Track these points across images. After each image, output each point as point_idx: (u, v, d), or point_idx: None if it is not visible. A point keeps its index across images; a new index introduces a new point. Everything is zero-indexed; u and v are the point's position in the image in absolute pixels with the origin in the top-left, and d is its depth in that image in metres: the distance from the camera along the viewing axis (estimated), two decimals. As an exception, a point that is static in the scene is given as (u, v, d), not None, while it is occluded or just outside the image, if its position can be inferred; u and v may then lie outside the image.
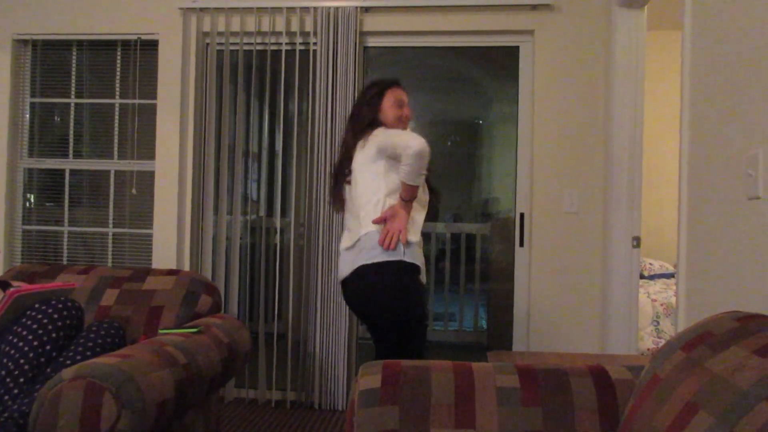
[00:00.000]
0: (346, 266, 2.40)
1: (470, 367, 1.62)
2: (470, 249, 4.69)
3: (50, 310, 1.90)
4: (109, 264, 3.73)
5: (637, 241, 3.09)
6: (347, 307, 3.32)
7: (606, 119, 3.27)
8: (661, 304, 4.08)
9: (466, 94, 4.33)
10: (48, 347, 1.84)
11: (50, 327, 1.86)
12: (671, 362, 1.36)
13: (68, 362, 1.84)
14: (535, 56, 3.41)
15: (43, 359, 1.82)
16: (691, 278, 2.09)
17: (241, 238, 3.66)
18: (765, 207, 1.61)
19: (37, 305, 1.92)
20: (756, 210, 1.66)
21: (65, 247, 3.77)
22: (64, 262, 3.75)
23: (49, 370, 1.82)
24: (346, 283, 2.43)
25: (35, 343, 1.81)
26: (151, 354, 1.79)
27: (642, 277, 4.66)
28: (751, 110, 1.70)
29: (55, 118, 3.85)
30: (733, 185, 1.79)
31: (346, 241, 2.45)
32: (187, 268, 3.57)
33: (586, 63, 3.34)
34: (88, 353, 1.89)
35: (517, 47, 3.52)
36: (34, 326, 1.85)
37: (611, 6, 3.18)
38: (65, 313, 1.92)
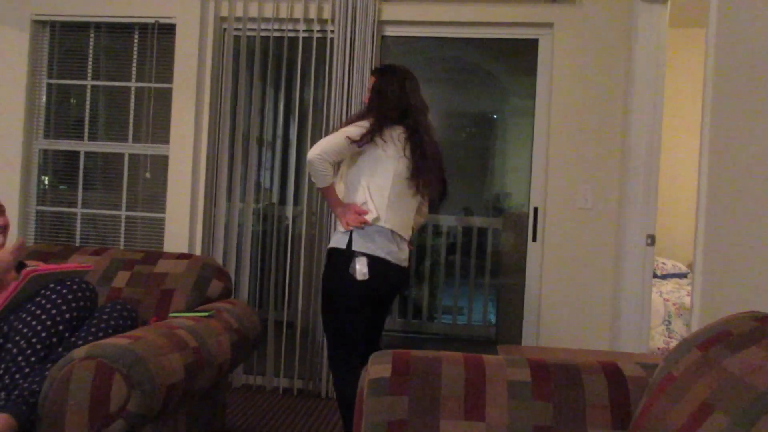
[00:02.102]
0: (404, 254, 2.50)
1: (481, 360, 1.61)
2: (481, 243, 4.67)
3: (64, 291, 1.91)
4: (121, 247, 3.75)
5: (651, 240, 3.06)
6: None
7: (624, 115, 3.23)
8: (674, 304, 4.04)
9: (482, 87, 4.30)
10: (61, 327, 1.84)
11: (64, 307, 1.87)
12: (687, 361, 1.34)
13: (80, 342, 1.85)
14: (554, 49, 3.37)
15: (55, 339, 1.83)
16: (708, 277, 2.06)
17: (253, 226, 3.66)
18: (787, 207, 1.58)
19: (51, 285, 1.93)
20: (777, 209, 1.63)
21: (78, 228, 3.79)
22: (77, 244, 3.77)
23: (60, 349, 1.83)
24: (403, 269, 2.51)
25: (48, 322, 1.82)
26: (162, 336, 1.80)
27: (654, 276, 4.62)
28: (776, 108, 1.66)
29: (71, 100, 3.86)
30: (754, 184, 1.76)
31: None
32: (198, 253, 3.58)
33: (606, 57, 3.30)
34: (101, 334, 1.90)
35: (536, 40, 3.48)
36: (48, 305, 1.86)
37: (634, 0, 3.14)
38: (79, 294, 1.92)
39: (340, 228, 2.41)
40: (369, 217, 2.35)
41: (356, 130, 2.37)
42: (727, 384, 1.17)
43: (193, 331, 1.94)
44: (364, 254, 2.34)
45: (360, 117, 2.48)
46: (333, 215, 3.37)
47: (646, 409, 1.36)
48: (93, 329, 1.90)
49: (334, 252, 2.41)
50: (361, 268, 2.33)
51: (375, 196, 2.40)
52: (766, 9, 1.76)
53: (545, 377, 1.54)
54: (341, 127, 2.47)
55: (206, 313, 2.11)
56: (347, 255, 2.35)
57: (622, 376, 1.54)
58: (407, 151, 2.42)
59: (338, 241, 2.40)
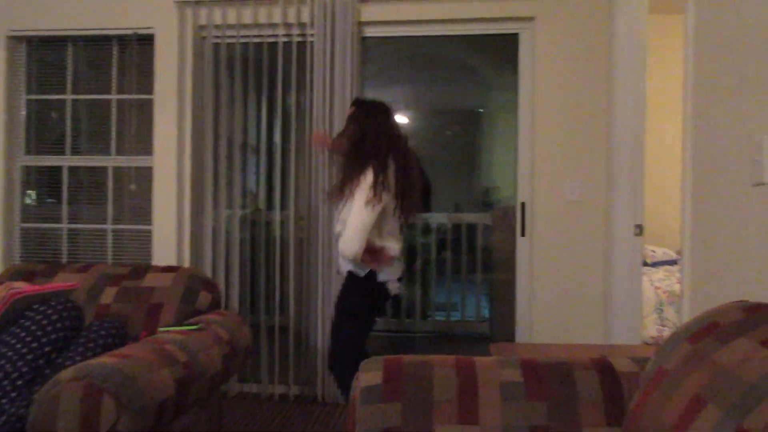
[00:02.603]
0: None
1: (473, 362, 1.60)
2: (471, 238, 4.66)
3: (49, 311, 1.88)
4: (109, 261, 3.71)
5: (639, 229, 3.07)
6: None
7: (608, 106, 3.23)
8: (664, 292, 4.06)
9: (466, 83, 4.29)
10: (47, 349, 1.82)
11: (49, 328, 1.84)
12: (677, 354, 1.33)
13: (68, 363, 1.83)
14: (535, 43, 3.37)
15: (41, 361, 1.80)
16: (697, 267, 2.07)
17: (241, 232, 3.64)
18: (771, 194, 1.59)
19: (36, 306, 1.90)
20: (761, 196, 1.63)
21: (65, 244, 3.75)
22: (64, 260, 3.74)
23: (48, 371, 1.80)
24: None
25: (33, 345, 1.80)
26: (151, 353, 1.77)
27: (645, 264, 4.64)
28: (756, 96, 1.66)
29: (52, 114, 3.81)
30: (738, 171, 1.76)
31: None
32: (187, 262, 3.55)
33: (587, 49, 3.30)
34: (89, 354, 1.88)
35: (517, 34, 3.47)
36: (33, 327, 1.83)
37: (611, -9, 3.14)
38: (65, 314, 1.90)
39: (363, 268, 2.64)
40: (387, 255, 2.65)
41: (369, 193, 2.53)
42: (717, 377, 1.16)
43: (183, 346, 1.91)
44: (387, 280, 2.67)
45: (354, 155, 2.65)
46: (321, 218, 3.37)
47: (639, 404, 1.35)
48: (81, 349, 1.88)
49: (352, 276, 2.68)
50: (392, 288, 2.72)
51: (386, 234, 2.65)
52: (742, -3, 1.76)
53: (537, 377, 1.53)
54: (336, 145, 2.81)
55: (196, 326, 2.09)
56: (370, 278, 2.64)
57: (614, 372, 1.54)
58: (398, 187, 2.65)
59: (355, 266, 2.65)
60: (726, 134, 1.84)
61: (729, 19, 1.84)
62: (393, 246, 2.67)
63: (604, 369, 1.55)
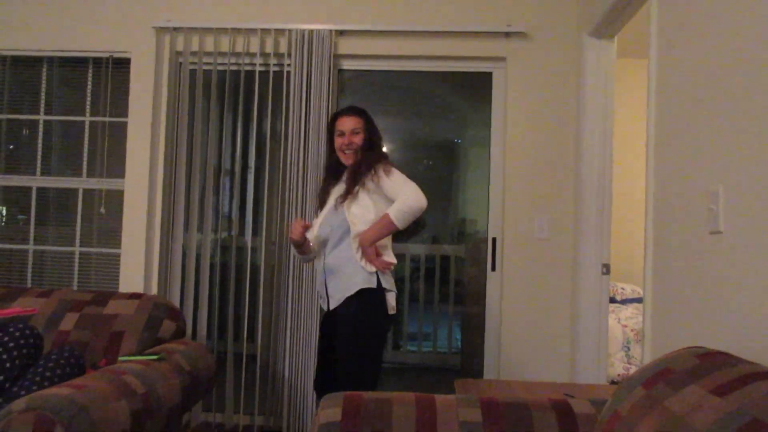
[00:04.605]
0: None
1: (433, 400, 1.60)
2: (445, 270, 4.68)
3: (6, 338, 1.84)
4: (75, 284, 3.65)
5: (606, 269, 3.11)
6: (317, 329, 3.28)
7: (577, 146, 3.30)
8: (632, 330, 4.10)
9: (441, 117, 4.35)
10: (1, 377, 1.78)
11: (5, 356, 1.80)
12: (632, 399, 1.35)
13: (22, 393, 1.79)
14: (507, 83, 3.44)
15: (-6, 389, 1.76)
16: (657, 310, 2.10)
17: (211, 257, 3.61)
18: (726, 241, 1.63)
19: (-9, 331, 1.86)
20: (718, 244, 1.67)
21: (30, 266, 3.68)
22: (29, 282, 3.67)
23: (1, 400, 1.76)
24: None
25: (-14, 372, 1.76)
26: (108, 384, 1.75)
27: (614, 301, 4.69)
28: (712, 145, 1.72)
29: (24, 131, 3.77)
30: (696, 219, 1.81)
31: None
32: (155, 287, 3.51)
33: (557, 90, 3.38)
34: (45, 383, 1.84)
35: (491, 73, 3.55)
36: (-13, 354, 1.79)
37: (582, 35, 3.23)
38: (22, 341, 1.86)
39: (367, 267, 2.47)
40: (390, 260, 2.52)
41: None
42: (668, 423, 1.18)
43: (142, 376, 1.89)
44: (391, 290, 2.53)
45: (364, 161, 2.59)
46: (291, 244, 3.35)
47: (593, 448, 1.36)
48: (37, 378, 1.84)
49: (366, 292, 2.46)
50: (391, 302, 2.53)
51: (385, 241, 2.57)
52: (703, 46, 1.82)
53: (496, 417, 1.53)
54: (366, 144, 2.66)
55: (156, 356, 2.06)
56: (380, 293, 2.47)
57: (572, 414, 1.55)
58: None
59: (368, 281, 2.47)
60: (685, 182, 1.89)
61: (687, 70, 1.90)
62: (391, 254, 2.60)
63: (562, 411, 1.57)
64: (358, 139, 2.62)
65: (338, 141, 2.65)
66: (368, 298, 2.46)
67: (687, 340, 1.85)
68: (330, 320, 2.59)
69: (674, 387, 1.26)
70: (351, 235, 2.49)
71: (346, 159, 2.63)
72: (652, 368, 1.40)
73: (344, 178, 2.64)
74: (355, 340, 2.45)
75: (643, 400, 1.31)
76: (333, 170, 2.75)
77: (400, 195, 2.43)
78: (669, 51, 2.08)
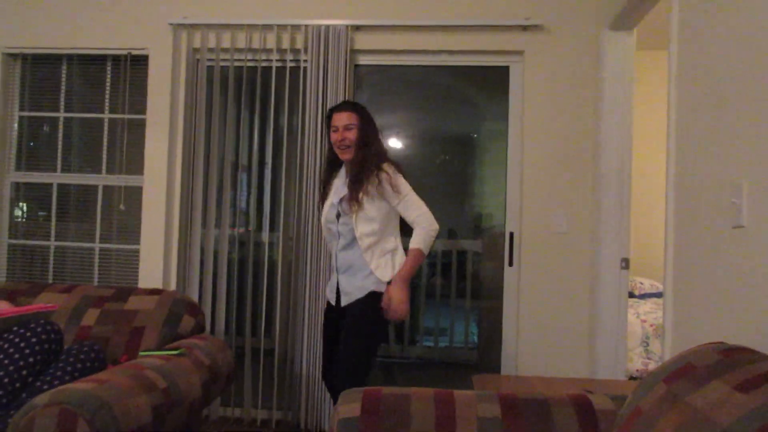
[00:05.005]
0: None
1: (452, 395, 1.60)
2: (461, 265, 4.66)
3: (28, 334, 1.87)
4: (95, 280, 3.70)
5: (625, 263, 3.08)
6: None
7: (595, 140, 3.27)
8: (651, 325, 4.06)
9: (458, 111, 4.33)
10: (24, 372, 1.80)
11: (27, 351, 1.83)
12: (653, 395, 1.34)
13: (45, 387, 1.81)
14: (524, 76, 3.41)
15: (18, 384, 1.79)
16: (678, 305, 2.08)
17: (229, 253, 3.63)
18: (749, 235, 1.60)
19: (15, 328, 1.89)
20: (740, 238, 1.65)
21: (51, 261, 3.73)
22: (50, 277, 3.72)
23: (24, 395, 1.79)
24: None
25: (11, 368, 1.78)
26: (129, 379, 1.76)
27: (632, 296, 4.65)
28: (736, 139, 1.69)
29: (44, 128, 3.82)
30: (718, 213, 1.78)
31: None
32: (173, 283, 3.54)
33: (575, 84, 3.35)
34: (67, 378, 1.86)
35: (507, 67, 3.52)
36: (11, 350, 1.82)
37: (601, 28, 3.19)
38: (44, 336, 1.88)
39: (384, 275, 2.57)
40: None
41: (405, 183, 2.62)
42: (690, 420, 1.17)
43: (163, 371, 1.90)
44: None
45: (363, 159, 2.61)
46: (310, 240, 3.36)
47: (614, 444, 1.35)
48: (59, 373, 1.86)
49: (376, 294, 2.57)
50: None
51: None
52: (725, 35, 1.79)
53: (515, 413, 1.53)
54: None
55: (177, 351, 2.08)
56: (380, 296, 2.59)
57: (592, 410, 1.54)
58: None
59: (378, 284, 2.58)
60: (707, 176, 1.87)
61: (711, 60, 1.88)
62: (402, 253, 2.69)
63: (582, 406, 1.56)
64: (351, 135, 2.62)
65: (333, 137, 2.67)
66: (377, 300, 2.57)
67: (708, 335, 1.83)
68: (333, 315, 2.70)
69: (697, 383, 1.25)
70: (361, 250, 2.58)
71: (342, 155, 2.66)
72: (674, 364, 1.38)
73: (345, 178, 2.69)
74: (360, 338, 2.56)
75: (664, 396, 1.30)
76: (332, 163, 2.79)
77: (420, 221, 2.56)
78: (691, 42, 2.05)
